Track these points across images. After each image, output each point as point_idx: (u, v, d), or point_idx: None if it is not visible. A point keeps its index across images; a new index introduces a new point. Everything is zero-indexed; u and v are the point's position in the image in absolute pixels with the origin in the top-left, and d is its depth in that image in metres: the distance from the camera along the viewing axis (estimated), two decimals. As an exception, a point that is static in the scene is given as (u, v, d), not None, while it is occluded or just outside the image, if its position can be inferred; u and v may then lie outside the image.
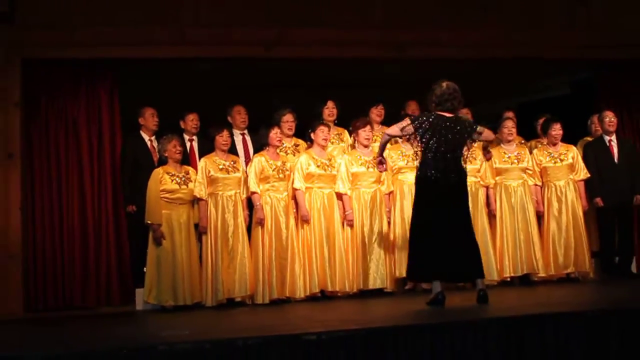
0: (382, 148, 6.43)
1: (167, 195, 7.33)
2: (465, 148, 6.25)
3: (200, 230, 7.44)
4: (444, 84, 6.21)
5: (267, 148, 7.58)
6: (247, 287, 7.31)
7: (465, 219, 6.18)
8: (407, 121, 6.18)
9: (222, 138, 7.52)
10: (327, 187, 7.65)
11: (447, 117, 6.14)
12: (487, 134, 6.43)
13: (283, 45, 8.05)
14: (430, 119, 6.10)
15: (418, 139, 6.12)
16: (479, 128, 6.25)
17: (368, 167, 7.69)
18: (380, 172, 7.08)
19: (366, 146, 7.81)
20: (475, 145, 8.16)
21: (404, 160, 7.83)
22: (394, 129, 6.29)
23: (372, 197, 7.69)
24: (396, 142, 8.23)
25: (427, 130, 6.07)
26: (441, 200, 6.05)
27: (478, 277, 6.12)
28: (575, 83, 10.44)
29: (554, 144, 8.25)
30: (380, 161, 6.47)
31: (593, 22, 8.75)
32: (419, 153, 6.17)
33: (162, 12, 7.89)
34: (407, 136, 6.35)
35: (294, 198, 7.58)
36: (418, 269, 6.16)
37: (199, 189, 7.40)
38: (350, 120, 8.02)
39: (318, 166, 7.59)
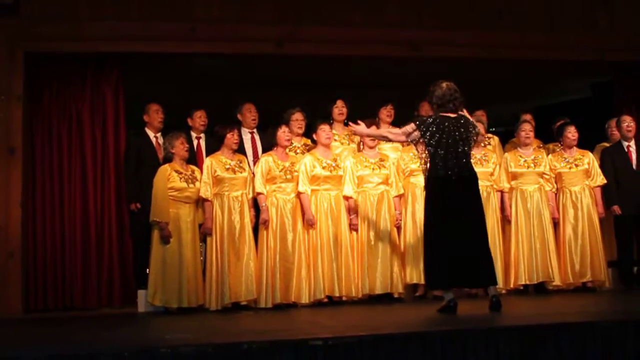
0: (372, 137, 6.45)
1: (174, 193, 7.18)
2: (471, 147, 6.09)
3: (205, 232, 7.27)
4: (444, 85, 6.04)
5: (276, 148, 7.42)
6: (254, 290, 7.16)
7: (479, 223, 5.98)
8: (412, 127, 6.02)
9: (233, 137, 7.38)
10: (334, 189, 7.49)
11: (451, 117, 5.99)
12: (479, 129, 6.40)
13: (295, 42, 7.93)
14: (437, 121, 5.94)
15: (425, 143, 5.95)
16: (476, 129, 6.11)
17: (374, 169, 7.55)
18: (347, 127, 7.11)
19: (372, 147, 7.67)
20: (490, 147, 8.05)
21: (417, 163, 7.61)
22: (399, 135, 6.19)
23: (379, 199, 7.52)
24: (408, 144, 8.05)
25: (435, 133, 5.90)
26: (452, 202, 5.86)
27: (491, 283, 5.96)
28: (597, 86, 10.25)
29: (570, 148, 8.05)
30: (355, 133, 6.55)
31: (614, 24, 8.63)
32: (425, 158, 6.01)
33: (172, 6, 7.79)
34: (414, 142, 6.14)
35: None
36: (435, 276, 5.98)
37: (205, 189, 7.24)
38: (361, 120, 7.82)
39: (324, 167, 7.44)
